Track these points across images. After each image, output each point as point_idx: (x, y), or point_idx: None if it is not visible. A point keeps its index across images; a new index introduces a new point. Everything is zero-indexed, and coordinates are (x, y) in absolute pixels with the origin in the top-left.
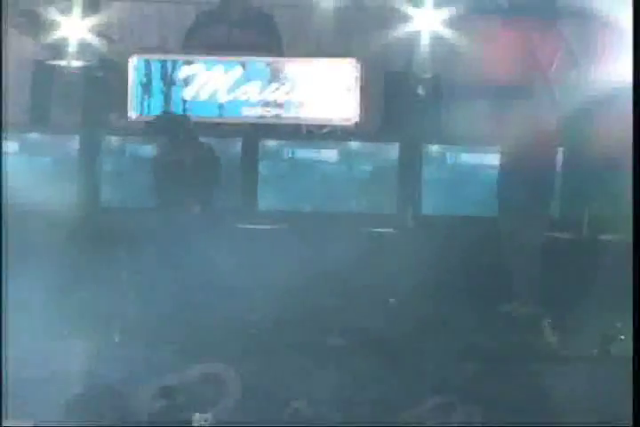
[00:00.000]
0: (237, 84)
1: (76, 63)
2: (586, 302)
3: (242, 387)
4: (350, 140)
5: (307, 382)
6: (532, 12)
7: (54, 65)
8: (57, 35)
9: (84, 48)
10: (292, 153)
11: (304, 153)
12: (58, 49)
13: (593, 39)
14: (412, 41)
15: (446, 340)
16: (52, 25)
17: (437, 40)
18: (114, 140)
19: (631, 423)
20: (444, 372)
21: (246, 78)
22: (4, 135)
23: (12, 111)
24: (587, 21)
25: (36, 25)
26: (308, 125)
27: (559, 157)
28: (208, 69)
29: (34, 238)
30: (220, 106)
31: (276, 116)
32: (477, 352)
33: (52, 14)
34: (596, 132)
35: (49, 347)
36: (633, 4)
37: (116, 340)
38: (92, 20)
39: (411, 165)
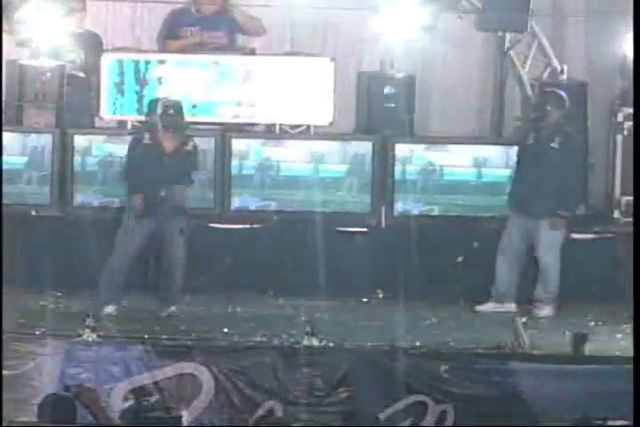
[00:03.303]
0: (211, 84)
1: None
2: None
3: None
4: (324, 140)
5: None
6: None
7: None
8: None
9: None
10: (266, 152)
11: (277, 152)
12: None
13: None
14: (385, 41)
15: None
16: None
17: (411, 40)
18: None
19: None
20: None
21: (220, 77)
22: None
23: None
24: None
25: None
26: (281, 124)
27: (531, 156)
28: (181, 69)
29: None
30: (194, 105)
31: (250, 115)
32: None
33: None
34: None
35: None
36: (633, 4)
37: None
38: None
39: (384, 164)
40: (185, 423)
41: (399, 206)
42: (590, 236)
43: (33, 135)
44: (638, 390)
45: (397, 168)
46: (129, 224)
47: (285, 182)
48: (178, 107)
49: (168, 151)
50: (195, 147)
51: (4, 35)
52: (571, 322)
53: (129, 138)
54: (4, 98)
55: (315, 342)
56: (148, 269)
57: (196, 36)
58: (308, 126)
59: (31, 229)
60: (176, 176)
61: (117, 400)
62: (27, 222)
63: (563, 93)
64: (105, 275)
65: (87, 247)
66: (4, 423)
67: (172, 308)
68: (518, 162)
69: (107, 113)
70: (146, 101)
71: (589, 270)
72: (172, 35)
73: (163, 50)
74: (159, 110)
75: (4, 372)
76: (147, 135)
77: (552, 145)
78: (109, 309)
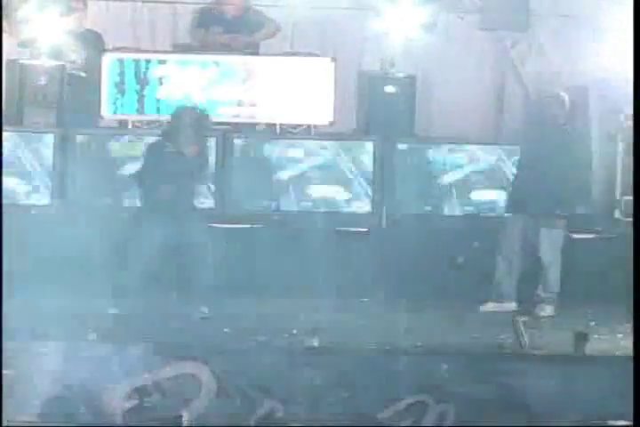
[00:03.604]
0: (212, 83)
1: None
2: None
3: None
4: (324, 140)
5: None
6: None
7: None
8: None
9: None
10: (267, 152)
11: (278, 152)
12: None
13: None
14: (386, 40)
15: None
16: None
17: (412, 39)
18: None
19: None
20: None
21: (221, 77)
22: None
23: None
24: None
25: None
26: (282, 124)
27: (532, 156)
28: (182, 68)
29: None
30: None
31: (250, 114)
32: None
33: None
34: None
35: None
36: (633, 4)
37: None
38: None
39: (384, 163)
40: (185, 423)
41: (400, 206)
42: (591, 236)
43: (34, 135)
44: (638, 390)
45: (398, 168)
46: (145, 226)
47: (285, 182)
48: (206, 116)
49: (189, 156)
50: (208, 148)
51: (4, 35)
52: (572, 322)
53: (130, 137)
54: (4, 98)
55: (315, 342)
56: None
57: (221, 37)
58: (309, 126)
59: (32, 228)
60: (194, 177)
61: (118, 400)
62: (27, 222)
63: (563, 93)
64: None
65: (88, 247)
66: (4, 423)
67: (205, 309)
68: (519, 162)
69: (107, 112)
70: (146, 101)
71: (590, 270)
72: (203, 26)
73: (195, 38)
74: (187, 120)
75: (4, 372)
76: (169, 143)
77: (552, 145)
78: (113, 309)
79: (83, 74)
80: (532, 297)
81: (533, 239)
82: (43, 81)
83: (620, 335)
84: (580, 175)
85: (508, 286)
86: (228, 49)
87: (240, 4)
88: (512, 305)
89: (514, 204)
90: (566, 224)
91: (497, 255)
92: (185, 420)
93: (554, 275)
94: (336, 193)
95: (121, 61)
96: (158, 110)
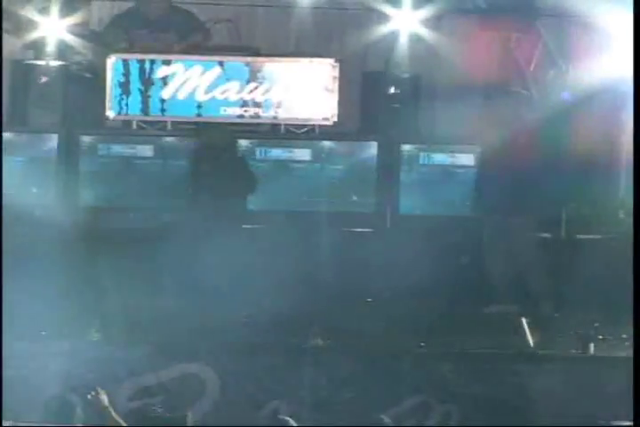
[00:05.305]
0: (216, 84)
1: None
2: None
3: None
4: (329, 140)
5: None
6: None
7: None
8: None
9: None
10: (271, 152)
11: (282, 152)
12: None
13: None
14: (390, 41)
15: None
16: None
17: (416, 40)
18: None
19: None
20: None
21: (225, 78)
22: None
23: None
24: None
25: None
26: (286, 125)
27: (538, 158)
28: (186, 69)
29: None
30: (199, 105)
31: (255, 115)
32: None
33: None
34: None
35: None
36: (633, 4)
37: None
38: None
39: (388, 164)
40: (189, 423)
41: (404, 207)
42: (595, 236)
43: (38, 135)
44: (638, 390)
45: (402, 168)
46: None
47: (290, 182)
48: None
49: None
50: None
51: (9, 35)
52: (575, 322)
53: (134, 138)
54: (9, 98)
55: (319, 342)
56: None
57: (146, 39)
58: (313, 126)
59: (34, 229)
60: None
61: (122, 401)
62: (30, 223)
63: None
64: None
65: (92, 248)
66: (5, 424)
67: None
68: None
69: (112, 113)
70: (151, 102)
71: (594, 270)
72: (121, 38)
73: (117, 40)
74: None
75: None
76: None
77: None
78: None
79: (87, 74)
80: (534, 297)
81: (528, 240)
82: (48, 81)
83: (623, 336)
84: (575, 175)
85: (510, 286)
86: (154, 50)
87: (163, 4)
88: (515, 306)
89: (492, 205)
90: (533, 224)
91: (499, 256)
92: (189, 420)
93: (542, 274)
94: (340, 193)
95: (126, 62)
96: (163, 111)
